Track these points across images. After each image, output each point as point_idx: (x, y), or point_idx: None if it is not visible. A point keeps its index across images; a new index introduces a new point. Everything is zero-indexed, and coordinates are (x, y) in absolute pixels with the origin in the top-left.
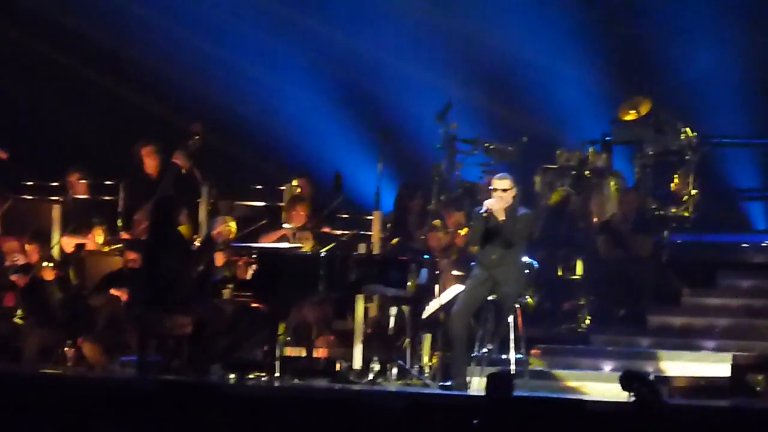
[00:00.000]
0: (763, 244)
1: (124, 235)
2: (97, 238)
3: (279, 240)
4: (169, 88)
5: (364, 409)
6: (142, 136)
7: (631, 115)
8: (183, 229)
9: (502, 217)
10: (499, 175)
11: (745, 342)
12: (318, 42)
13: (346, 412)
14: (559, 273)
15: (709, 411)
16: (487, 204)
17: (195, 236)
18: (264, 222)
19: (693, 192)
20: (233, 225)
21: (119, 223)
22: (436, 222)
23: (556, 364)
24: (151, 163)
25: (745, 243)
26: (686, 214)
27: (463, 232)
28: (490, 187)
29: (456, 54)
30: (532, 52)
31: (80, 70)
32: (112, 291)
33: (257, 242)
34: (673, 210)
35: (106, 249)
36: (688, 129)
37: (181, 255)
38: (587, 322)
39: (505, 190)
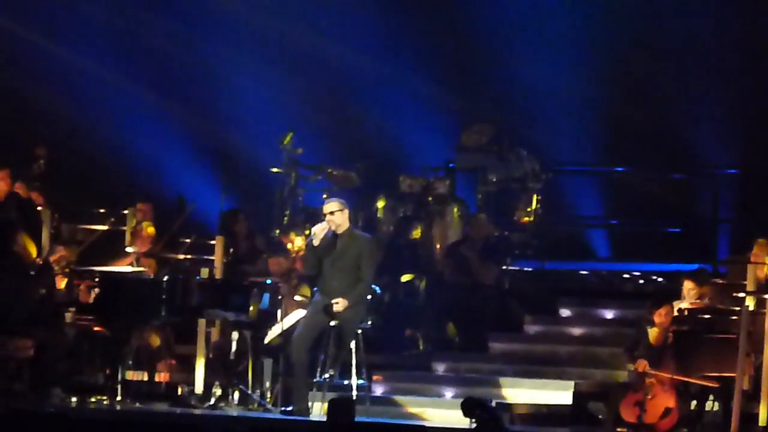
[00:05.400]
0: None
1: None
2: None
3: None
4: (16, 105)
5: None
6: None
7: (474, 141)
8: (31, 248)
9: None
10: (326, 201)
11: (587, 370)
12: (163, 64)
13: None
14: (401, 299)
15: None
16: (314, 230)
17: (38, 260)
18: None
19: (535, 219)
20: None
21: None
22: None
23: (397, 390)
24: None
25: (587, 271)
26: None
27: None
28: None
29: (300, 80)
30: (376, 78)
31: None
32: None
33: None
34: (515, 237)
35: None
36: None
37: (20, 278)
38: (428, 348)
39: (332, 213)
